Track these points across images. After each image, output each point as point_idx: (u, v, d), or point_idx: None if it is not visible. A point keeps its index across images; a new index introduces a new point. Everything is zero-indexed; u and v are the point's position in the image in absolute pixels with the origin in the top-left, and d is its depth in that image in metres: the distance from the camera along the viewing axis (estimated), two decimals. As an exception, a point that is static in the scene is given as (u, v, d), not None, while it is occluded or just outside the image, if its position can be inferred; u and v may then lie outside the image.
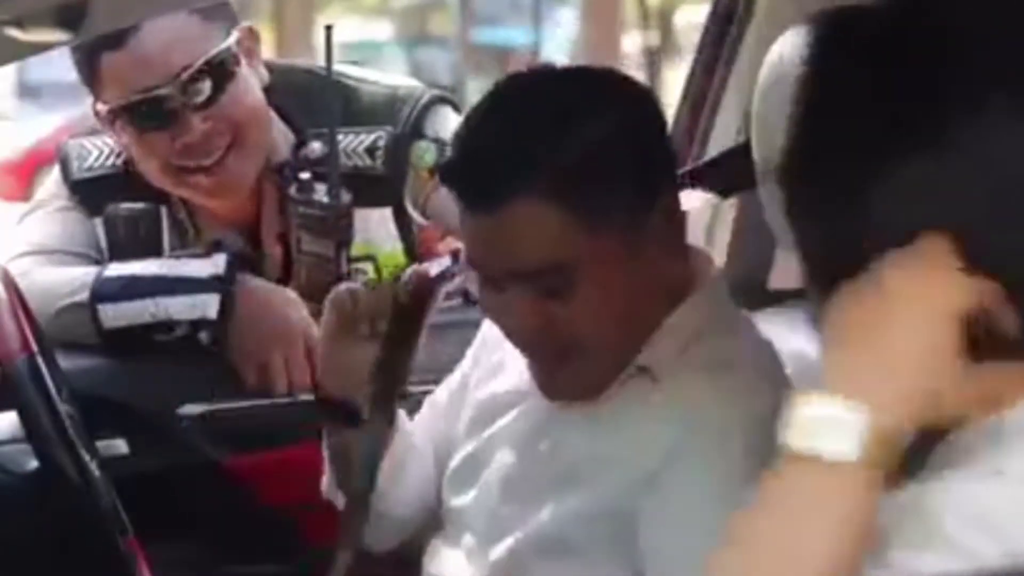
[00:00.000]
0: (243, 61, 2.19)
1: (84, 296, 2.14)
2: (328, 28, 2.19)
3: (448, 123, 2.26)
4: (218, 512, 2.16)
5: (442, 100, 2.30)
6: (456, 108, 2.31)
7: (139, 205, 2.25)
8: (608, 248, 1.53)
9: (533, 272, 1.53)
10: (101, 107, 2.18)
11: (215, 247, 2.25)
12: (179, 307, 2.12)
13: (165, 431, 2.13)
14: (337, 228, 2.17)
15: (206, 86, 2.13)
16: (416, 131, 2.24)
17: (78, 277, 2.17)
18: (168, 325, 2.12)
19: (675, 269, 1.63)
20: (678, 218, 1.64)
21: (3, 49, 1.33)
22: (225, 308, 2.11)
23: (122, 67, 2.12)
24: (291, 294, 2.18)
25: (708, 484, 1.47)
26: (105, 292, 2.14)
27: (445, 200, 2.24)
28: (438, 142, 2.24)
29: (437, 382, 2.15)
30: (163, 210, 2.26)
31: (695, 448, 1.51)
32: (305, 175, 2.19)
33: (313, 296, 2.19)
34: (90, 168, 2.29)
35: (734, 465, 1.42)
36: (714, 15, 2.44)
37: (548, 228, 1.51)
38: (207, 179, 2.18)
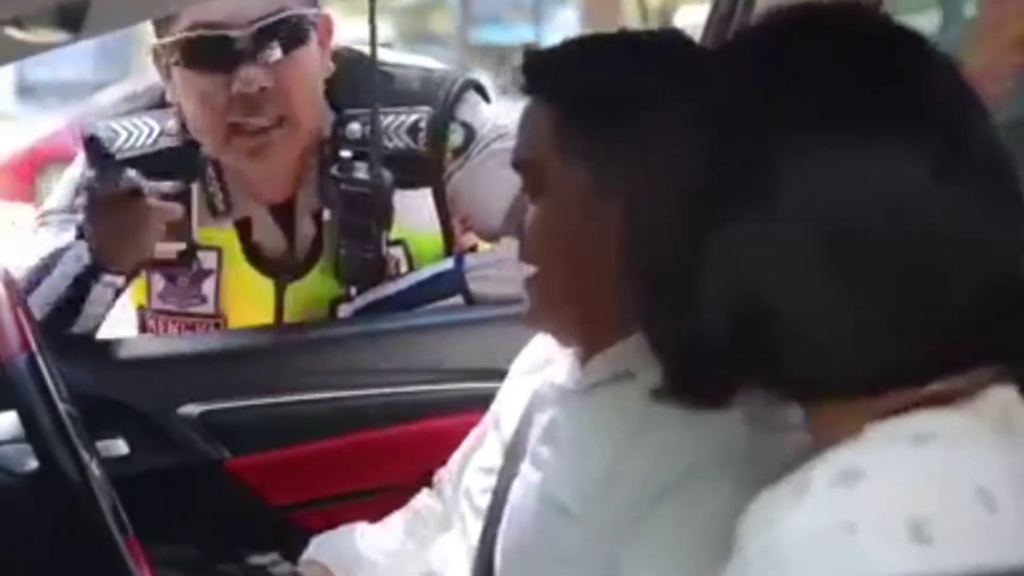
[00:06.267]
0: (316, 40, 2.19)
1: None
2: None
3: (478, 108, 2.28)
4: (218, 512, 2.16)
5: (475, 86, 2.31)
6: (486, 96, 2.32)
7: (169, 184, 2.23)
8: (577, 181, 1.51)
9: (515, 161, 1.59)
10: (168, 38, 2.15)
11: (245, 225, 2.26)
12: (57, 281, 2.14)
13: (165, 431, 2.14)
14: (378, 206, 2.19)
15: (275, 42, 2.13)
16: (449, 113, 2.25)
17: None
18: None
19: None
20: None
21: (3, 49, 1.33)
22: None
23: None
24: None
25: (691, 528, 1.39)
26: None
27: (461, 183, 2.25)
28: (466, 126, 2.25)
29: (438, 382, 2.15)
30: (194, 188, 2.25)
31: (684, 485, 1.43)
32: (346, 153, 2.20)
33: (349, 275, 2.20)
34: (119, 149, 2.26)
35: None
36: (714, 15, 2.44)
37: (539, 123, 1.55)
38: (251, 141, 2.17)
